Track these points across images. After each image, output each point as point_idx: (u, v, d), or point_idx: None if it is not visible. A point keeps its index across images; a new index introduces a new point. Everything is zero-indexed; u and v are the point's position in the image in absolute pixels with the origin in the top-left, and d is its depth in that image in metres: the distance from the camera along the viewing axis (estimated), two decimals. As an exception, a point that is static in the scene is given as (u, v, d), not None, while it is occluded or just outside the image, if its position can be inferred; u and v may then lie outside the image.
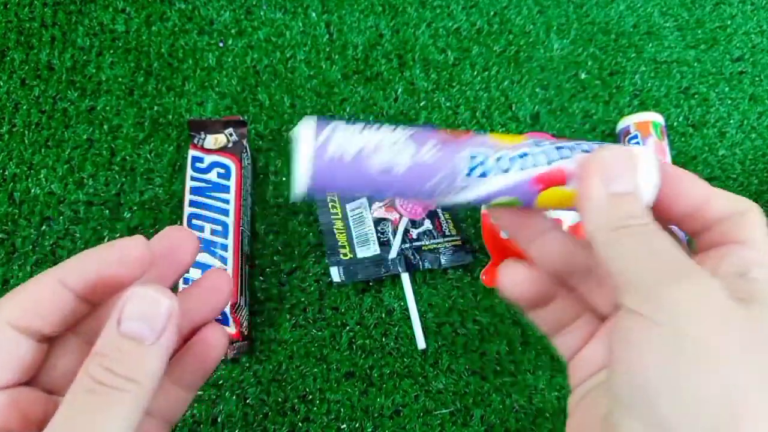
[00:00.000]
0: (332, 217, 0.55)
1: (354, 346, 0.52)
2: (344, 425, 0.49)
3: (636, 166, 0.21)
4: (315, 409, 0.50)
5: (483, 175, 0.22)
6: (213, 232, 0.51)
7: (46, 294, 0.22)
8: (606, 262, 0.21)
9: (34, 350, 0.22)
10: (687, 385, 0.17)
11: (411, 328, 0.52)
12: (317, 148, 0.21)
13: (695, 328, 0.18)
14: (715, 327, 0.18)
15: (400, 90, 0.61)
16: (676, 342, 0.18)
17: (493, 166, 0.22)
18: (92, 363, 0.20)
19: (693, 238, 0.23)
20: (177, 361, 0.25)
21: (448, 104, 0.61)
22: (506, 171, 0.22)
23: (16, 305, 0.22)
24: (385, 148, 0.21)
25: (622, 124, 0.58)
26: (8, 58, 0.61)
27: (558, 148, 0.22)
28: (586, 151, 0.22)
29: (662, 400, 0.18)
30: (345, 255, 0.54)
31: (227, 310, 0.49)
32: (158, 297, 0.21)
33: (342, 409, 0.50)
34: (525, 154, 0.22)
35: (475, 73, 0.63)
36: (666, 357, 0.18)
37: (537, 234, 0.25)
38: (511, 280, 0.25)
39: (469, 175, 0.22)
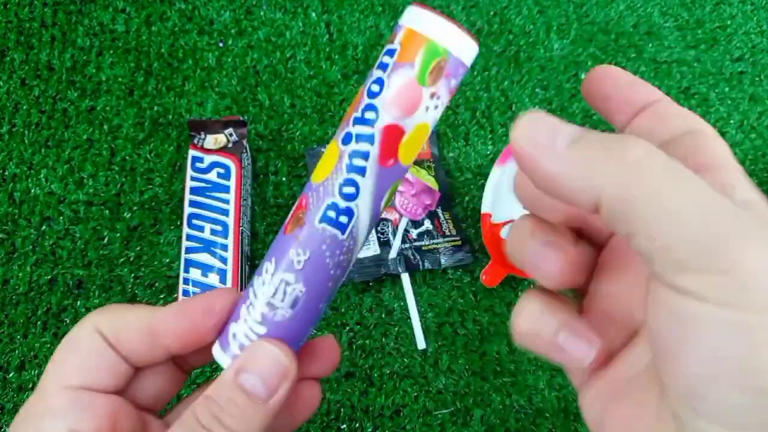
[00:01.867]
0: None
1: (354, 346, 0.52)
2: (344, 425, 0.49)
3: (551, 118, 0.17)
4: (315, 409, 0.50)
5: (350, 216, 0.20)
6: (213, 232, 0.51)
7: (134, 335, 0.22)
8: (631, 218, 0.15)
9: (124, 364, 0.22)
10: None
11: (411, 328, 0.52)
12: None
13: None
14: None
15: (400, 90, 0.61)
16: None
17: (340, 201, 0.20)
18: (202, 406, 0.20)
19: None
20: None
21: (448, 104, 0.61)
22: (356, 193, 0.20)
23: (107, 322, 0.22)
24: (273, 297, 0.21)
25: (622, 124, 0.58)
26: (8, 58, 0.61)
27: (357, 120, 0.20)
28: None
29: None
30: (345, 255, 0.53)
31: (227, 310, 0.49)
32: (280, 357, 0.20)
33: (342, 409, 0.50)
34: (354, 154, 0.20)
35: (475, 73, 0.63)
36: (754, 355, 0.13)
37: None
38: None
39: (344, 232, 0.21)
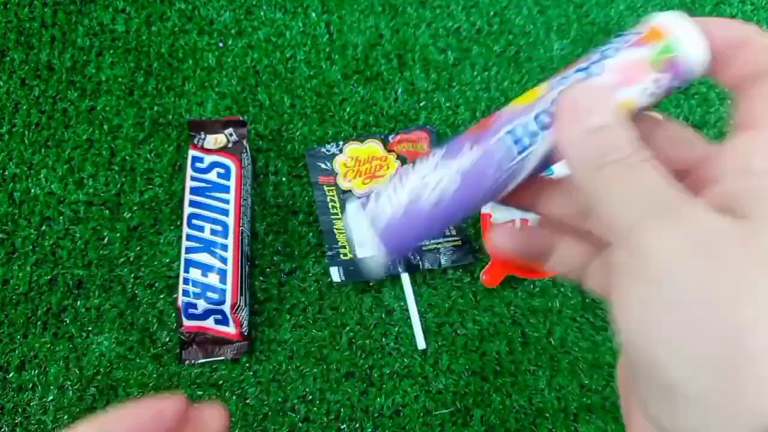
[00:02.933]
0: (332, 217, 0.55)
1: (354, 346, 0.52)
2: (344, 425, 0.49)
3: (608, 96, 0.20)
4: (315, 409, 0.50)
5: (533, 141, 0.21)
6: (213, 232, 0.51)
7: None
8: (592, 205, 0.19)
9: None
10: (686, 345, 0.16)
11: (411, 328, 0.52)
12: (373, 224, 0.22)
13: (679, 276, 0.16)
14: (701, 269, 0.16)
15: (400, 90, 0.61)
16: (664, 296, 0.16)
17: (532, 124, 0.21)
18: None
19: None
20: None
21: (448, 104, 0.61)
22: (548, 125, 0.21)
23: None
24: (426, 183, 0.21)
25: (622, 124, 0.58)
26: (8, 58, 0.61)
27: (580, 69, 0.21)
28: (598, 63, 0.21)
29: (665, 366, 0.16)
30: (345, 255, 0.54)
31: (227, 310, 0.49)
32: None
33: (342, 409, 0.50)
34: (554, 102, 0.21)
35: (475, 73, 0.63)
36: (659, 316, 0.16)
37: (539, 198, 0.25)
38: (500, 238, 0.24)
39: (521, 152, 0.21)
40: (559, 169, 0.55)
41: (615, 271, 0.18)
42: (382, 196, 0.22)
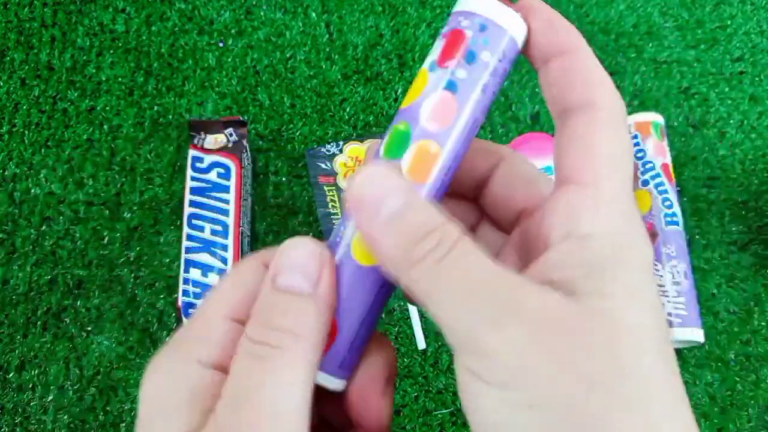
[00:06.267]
0: (332, 217, 0.55)
1: (354, 346, 0.52)
2: (344, 425, 0.49)
3: (394, 175, 0.18)
4: (315, 409, 0.50)
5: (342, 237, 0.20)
6: (213, 232, 0.51)
7: None
8: (422, 305, 0.17)
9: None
10: None
11: (411, 328, 0.52)
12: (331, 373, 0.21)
13: (529, 377, 0.15)
14: (548, 367, 0.15)
15: (400, 90, 0.61)
16: (521, 399, 0.15)
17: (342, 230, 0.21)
18: (250, 326, 0.18)
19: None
20: None
21: (448, 104, 0.61)
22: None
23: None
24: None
25: (622, 124, 0.58)
26: (8, 58, 0.61)
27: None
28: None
29: None
30: (345, 255, 0.54)
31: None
32: (308, 244, 0.19)
33: (342, 409, 0.50)
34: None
35: (475, 73, 0.63)
36: (517, 419, 0.15)
37: None
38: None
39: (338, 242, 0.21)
40: None
41: (463, 374, 0.17)
42: None
